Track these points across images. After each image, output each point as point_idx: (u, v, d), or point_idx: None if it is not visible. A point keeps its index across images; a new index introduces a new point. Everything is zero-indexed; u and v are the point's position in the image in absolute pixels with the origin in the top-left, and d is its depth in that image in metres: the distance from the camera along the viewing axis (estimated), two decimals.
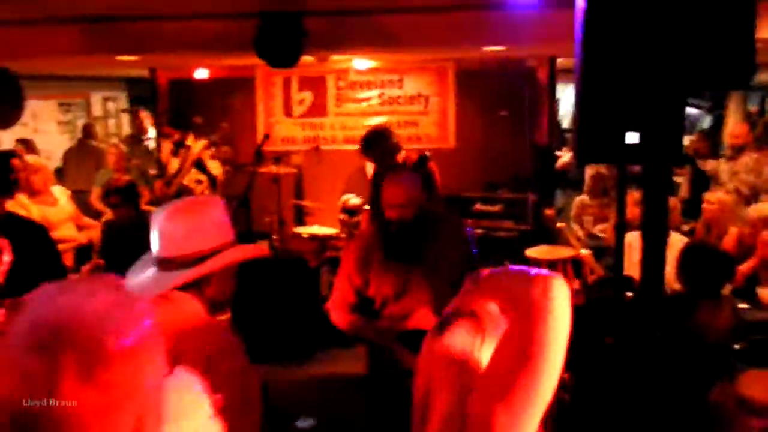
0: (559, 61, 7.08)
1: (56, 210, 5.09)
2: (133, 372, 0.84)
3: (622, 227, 3.13)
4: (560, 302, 1.22)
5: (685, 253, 3.65)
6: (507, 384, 1.21)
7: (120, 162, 6.72)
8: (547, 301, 1.21)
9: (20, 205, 4.79)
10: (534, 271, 1.31)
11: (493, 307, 1.39)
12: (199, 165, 6.15)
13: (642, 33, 2.57)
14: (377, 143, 4.91)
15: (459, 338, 1.37)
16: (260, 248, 2.23)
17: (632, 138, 2.67)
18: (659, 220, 3.26)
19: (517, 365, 1.20)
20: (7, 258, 2.94)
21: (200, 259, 1.83)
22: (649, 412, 3.20)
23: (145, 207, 4.76)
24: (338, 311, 3.10)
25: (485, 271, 1.41)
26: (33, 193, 5.12)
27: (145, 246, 4.60)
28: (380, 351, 3.09)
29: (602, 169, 6.72)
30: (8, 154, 4.31)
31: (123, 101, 10.75)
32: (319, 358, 5.32)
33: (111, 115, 10.44)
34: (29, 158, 5.68)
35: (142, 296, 0.97)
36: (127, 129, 10.20)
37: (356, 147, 7.08)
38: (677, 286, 3.69)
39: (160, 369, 0.91)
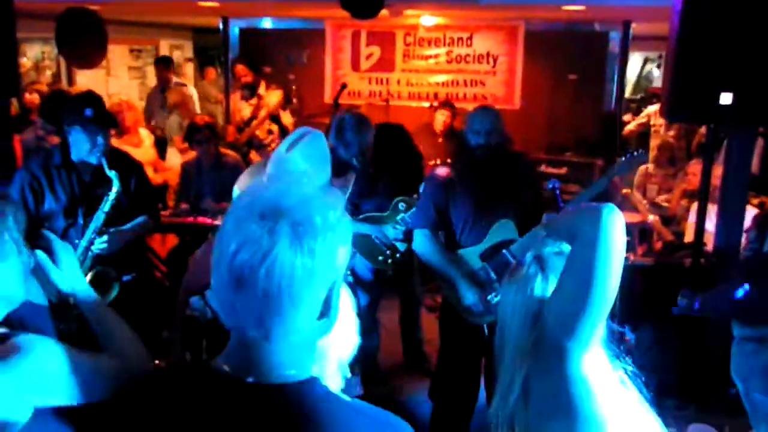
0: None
1: (140, 152, 5.27)
2: (333, 247, 1.00)
3: (705, 193, 3.13)
4: (610, 228, 1.35)
5: (762, 219, 3.62)
6: (573, 308, 1.37)
7: (185, 105, 6.87)
8: (597, 228, 1.34)
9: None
10: (587, 204, 1.45)
11: (554, 247, 1.53)
12: (273, 116, 6.26)
13: None
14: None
15: (526, 279, 1.51)
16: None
17: (726, 99, 2.66)
18: (740, 185, 3.25)
19: (580, 290, 1.36)
20: (116, 189, 3.11)
21: None
22: (715, 374, 3.23)
23: (221, 150, 4.89)
24: (421, 229, 3.19)
25: (550, 216, 1.58)
26: (121, 132, 5.32)
27: (223, 185, 4.73)
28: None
29: (670, 138, 6.62)
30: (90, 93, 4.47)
31: (188, 50, 10.92)
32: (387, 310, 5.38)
33: (178, 62, 10.65)
34: (122, 97, 5.89)
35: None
36: (191, 77, 10.38)
37: (422, 103, 7.17)
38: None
39: (349, 247, 1.06)
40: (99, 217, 3.11)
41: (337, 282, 1.04)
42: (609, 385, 1.44)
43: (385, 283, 4.11)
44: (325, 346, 1.31)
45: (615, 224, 1.37)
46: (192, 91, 7.42)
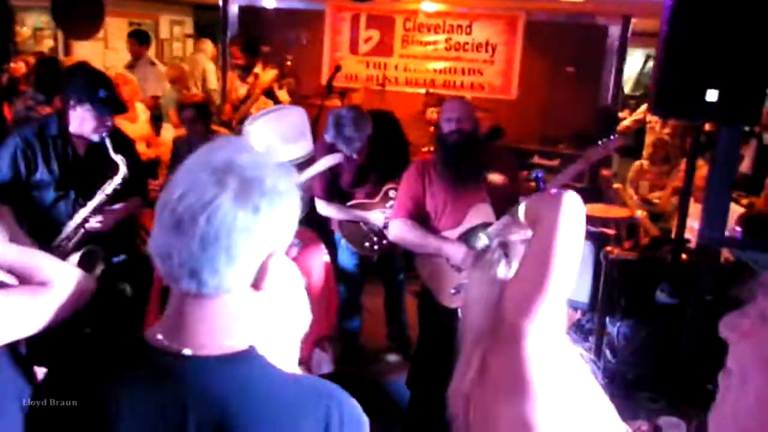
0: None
1: (135, 127, 5.27)
2: (278, 211, 1.02)
3: (688, 189, 3.14)
4: (569, 214, 1.40)
5: (747, 219, 3.65)
6: (530, 289, 1.40)
7: (183, 80, 6.85)
8: (557, 214, 1.39)
9: None
10: (550, 192, 1.50)
11: (521, 234, 1.59)
12: (269, 94, 6.25)
13: None
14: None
15: (489, 263, 1.55)
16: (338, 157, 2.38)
17: (712, 95, 2.67)
18: (724, 183, 3.26)
19: (537, 271, 1.40)
20: (123, 173, 3.13)
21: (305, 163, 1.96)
22: (692, 373, 3.27)
23: (213, 127, 4.89)
24: (397, 218, 3.24)
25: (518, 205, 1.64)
26: None
27: None
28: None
29: (665, 136, 6.63)
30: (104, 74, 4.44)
31: (189, 26, 10.87)
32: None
33: (177, 38, 10.60)
34: (120, 70, 5.87)
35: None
36: (190, 53, 10.34)
37: (418, 89, 7.16)
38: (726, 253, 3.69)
39: (294, 226, 1.07)
40: (98, 198, 3.13)
41: (275, 254, 1.04)
42: (564, 367, 1.48)
43: (370, 268, 4.14)
44: (273, 322, 1.33)
45: (574, 210, 1.41)
46: (208, 65, 7.41)
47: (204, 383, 1.00)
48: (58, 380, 1.08)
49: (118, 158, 3.13)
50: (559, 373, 1.47)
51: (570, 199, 1.42)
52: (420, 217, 3.22)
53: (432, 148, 5.19)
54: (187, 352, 1.01)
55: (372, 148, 3.89)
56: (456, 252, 3.04)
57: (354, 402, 1.09)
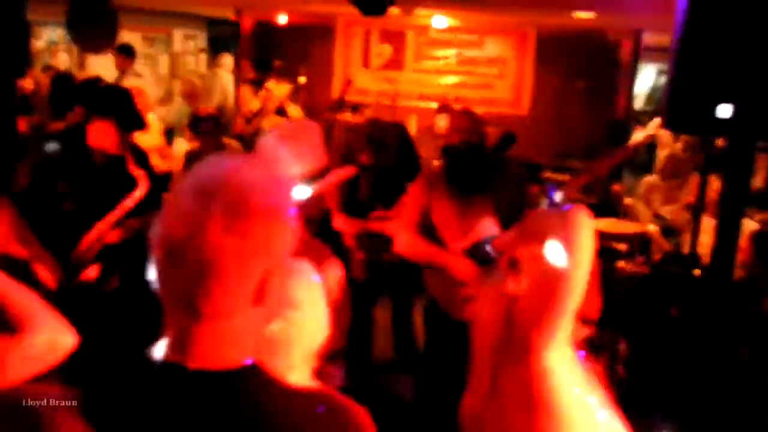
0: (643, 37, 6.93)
1: (148, 138, 5.30)
2: (267, 231, 0.99)
3: (700, 204, 3.12)
4: (580, 231, 1.37)
5: (758, 238, 3.62)
6: (541, 306, 1.36)
7: (195, 95, 6.90)
8: (570, 230, 1.36)
9: None
10: (561, 209, 1.50)
11: (530, 250, 1.59)
12: (280, 111, 6.29)
13: (745, 2, 2.54)
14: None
15: (498, 278, 1.58)
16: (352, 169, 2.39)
17: (724, 111, 2.65)
18: (737, 200, 3.24)
19: (549, 287, 1.36)
20: (144, 187, 3.15)
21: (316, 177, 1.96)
22: (704, 390, 3.23)
23: (225, 140, 4.92)
24: (403, 232, 3.23)
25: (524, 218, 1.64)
26: None
27: None
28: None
29: (678, 151, 6.60)
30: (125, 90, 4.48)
31: (202, 40, 10.97)
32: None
33: (190, 52, 10.69)
34: (132, 81, 5.92)
35: (292, 177, 1.10)
36: (203, 67, 10.43)
37: (430, 104, 7.18)
38: (740, 271, 3.66)
39: (291, 241, 1.05)
40: (117, 212, 3.15)
41: (274, 268, 1.02)
42: (574, 382, 1.48)
43: (380, 282, 4.14)
44: (288, 336, 1.32)
45: (584, 226, 1.43)
46: (227, 80, 7.46)
47: (208, 396, 0.99)
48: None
49: (139, 172, 3.16)
50: (571, 388, 1.48)
51: (582, 216, 1.43)
52: (426, 230, 3.21)
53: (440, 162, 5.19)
54: (189, 365, 1.00)
55: (388, 160, 3.90)
56: (462, 266, 3.04)
57: (365, 415, 1.07)
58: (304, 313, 1.22)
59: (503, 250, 1.65)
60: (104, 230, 3.13)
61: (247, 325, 1.04)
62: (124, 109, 3.14)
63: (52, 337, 1.38)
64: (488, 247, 2.99)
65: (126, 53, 6.97)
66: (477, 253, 3.04)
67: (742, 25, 2.54)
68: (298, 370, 1.43)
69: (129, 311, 3.29)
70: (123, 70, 6.86)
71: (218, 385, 1.00)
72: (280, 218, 1.01)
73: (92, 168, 3.23)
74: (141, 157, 3.38)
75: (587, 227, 1.45)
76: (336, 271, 1.89)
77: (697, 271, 3.59)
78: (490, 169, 3.17)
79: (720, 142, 3.87)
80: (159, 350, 1.04)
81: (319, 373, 2.17)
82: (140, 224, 3.29)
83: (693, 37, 2.62)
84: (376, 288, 4.13)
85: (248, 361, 1.04)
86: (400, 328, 4.45)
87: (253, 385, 1.02)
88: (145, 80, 7.19)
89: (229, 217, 0.96)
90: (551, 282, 1.43)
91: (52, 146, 3.32)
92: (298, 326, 1.22)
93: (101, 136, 3.17)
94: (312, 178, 2.00)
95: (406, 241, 3.21)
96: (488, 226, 3.12)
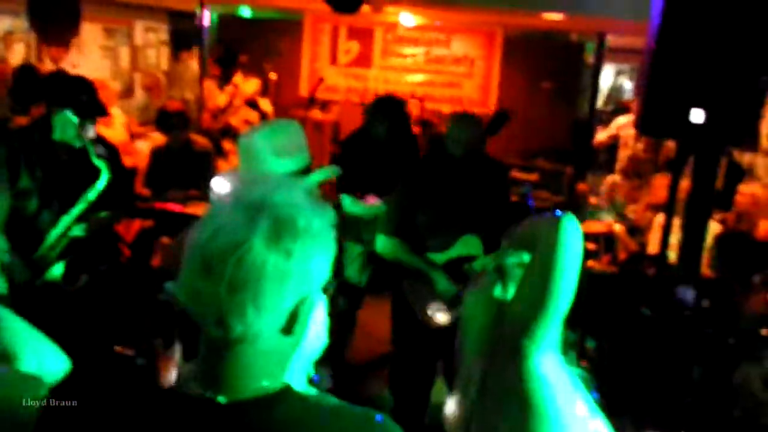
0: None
1: (112, 132, 5.18)
2: (310, 253, 0.97)
3: (672, 205, 3.19)
4: (568, 236, 1.42)
5: (722, 239, 3.72)
6: (530, 310, 1.42)
7: (158, 88, 6.76)
8: (555, 237, 1.41)
9: None
10: (546, 215, 1.55)
11: (516, 257, 1.63)
12: (252, 104, 6.21)
13: (720, 9, 2.60)
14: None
15: (486, 285, 1.59)
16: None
17: (696, 115, 2.71)
18: (704, 202, 3.32)
19: (538, 292, 1.42)
20: (105, 179, 3.07)
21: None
22: (674, 385, 3.31)
23: (192, 136, 4.84)
24: (385, 233, 3.21)
25: (514, 228, 1.68)
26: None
27: (192, 172, 4.70)
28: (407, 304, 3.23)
29: (639, 151, 6.73)
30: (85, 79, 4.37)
31: (164, 33, 10.74)
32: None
33: (151, 45, 10.46)
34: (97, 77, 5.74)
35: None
36: (165, 61, 10.23)
37: None
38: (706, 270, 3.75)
39: (328, 269, 1.03)
40: (81, 206, 3.07)
41: (308, 298, 1.00)
42: (562, 386, 1.52)
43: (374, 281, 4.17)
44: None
45: (572, 233, 1.44)
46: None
47: (243, 429, 0.97)
48: None
49: (100, 163, 3.07)
50: (559, 390, 1.50)
51: (568, 223, 1.45)
52: (408, 231, 3.21)
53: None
54: (222, 399, 0.98)
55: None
56: (440, 281, 3.05)
57: (395, 426, 1.06)
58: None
59: (492, 259, 1.69)
60: (68, 225, 3.05)
61: (278, 350, 1.02)
62: (83, 98, 3.05)
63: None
64: (467, 268, 3.02)
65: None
66: (455, 271, 3.05)
67: (715, 32, 2.60)
68: (297, 378, 1.41)
69: (96, 310, 3.22)
70: (57, 60, 6.30)
71: (253, 415, 0.98)
72: (324, 242, 0.99)
73: (57, 163, 3.15)
74: (106, 148, 3.30)
75: (575, 233, 1.49)
76: None
77: (665, 272, 3.66)
78: (486, 181, 3.15)
79: (671, 144, 3.93)
80: (188, 382, 1.01)
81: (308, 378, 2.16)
82: (107, 220, 3.22)
83: (667, 44, 2.67)
84: (368, 287, 4.14)
85: (280, 386, 1.02)
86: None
87: (288, 410, 1.00)
88: (102, 73, 6.98)
89: (276, 234, 0.94)
90: (540, 287, 1.45)
91: (11, 139, 3.22)
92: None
93: (63, 128, 3.08)
94: (297, 175, 1.98)
95: (386, 243, 3.20)
96: (471, 245, 3.11)
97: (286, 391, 1.02)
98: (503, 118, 4.47)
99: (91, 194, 3.08)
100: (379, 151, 4.38)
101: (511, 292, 1.54)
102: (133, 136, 6.00)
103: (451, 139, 3.09)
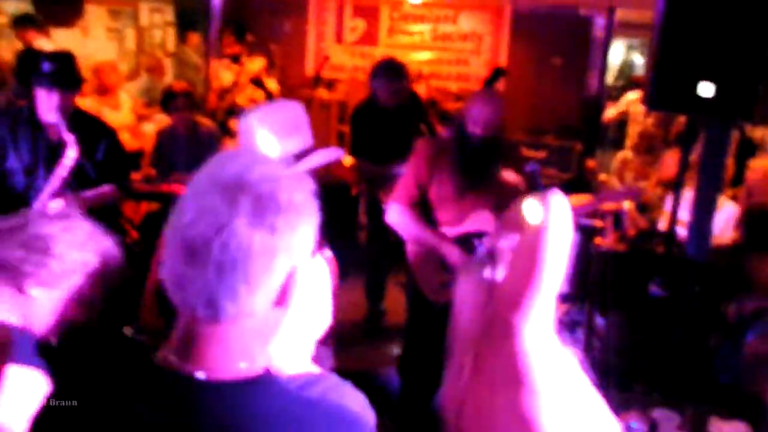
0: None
1: (118, 115, 5.19)
2: (295, 226, 0.96)
3: (680, 180, 3.15)
4: (555, 212, 1.44)
5: (749, 211, 3.67)
6: (520, 287, 1.43)
7: (160, 69, 6.73)
8: (542, 212, 1.43)
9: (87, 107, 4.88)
10: (538, 195, 1.56)
11: (508, 239, 1.63)
12: (258, 83, 6.17)
13: None
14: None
15: (477, 266, 1.60)
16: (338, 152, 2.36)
17: (705, 89, 2.66)
18: (715, 177, 3.28)
19: (526, 269, 1.43)
20: (72, 154, 3.04)
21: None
22: (682, 364, 3.29)
23: (198, 118, 4.82)
24: (398, 204, 3.19)
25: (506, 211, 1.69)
26: (102, 92, 5.21)
27: (198, 153, 4.70)
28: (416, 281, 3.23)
29: (650, 127, 6.66)
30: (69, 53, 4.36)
31: (169, 14, 10.70)
32: (353, 281, 5.39)
33: (157, 26, 10.42)
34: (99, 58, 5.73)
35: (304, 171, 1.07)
36: (171, 41, 10.19)
37: None
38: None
39: (314, 239, 1.02)
40: (54, 181, 3.05)
41: (297, 270, 0.99)
42: (555, 362, 1.53)
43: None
44: (294, 324, 1.30)
45: (559, 209, 1.45)
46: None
47: (217, 409, 0.95)
48: (66, 405, 1.02)
49: (69, 137, 3.03)
50: (552, 366, 1.51)
51: (554, 199, 1.46)
52: (421, 203, 3.19)
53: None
54: (200, 375, 0.96)
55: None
56: (453, 253, 3.03)
57: (370, 426, 1.05)
58: (307, 300, 1.19)
59: (485, 241, 1.71)
60: (44, 204, 3.03)
61: (268, 326, 1.01)
62: (47, 68, 3.02)
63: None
64: (478, 245, 3.00)
65: (26, 24, 5.87)
66: (466, 246, 3.03)
67: (724, 5, 2.55)
68: (297, 356, 1.41)
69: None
70: (27, 43, 5.74)
71: (230, 397, 0.96)
72: (308, 213, 0.99)
73: (45, 142, 3.15)
74: (88, 122, 3.28)
75: (561, 209, 1.49)
76: (326, 252, 1.87)
77: (674, 249, 3.63)
78: (501, 160, 3.11)
79: (682, 119, 3.88)
80: (165, 355, 1.00)
81: (312, 356, 2.16)
82: (94, 200, 3.20)
83: (675, 18, 2.61)
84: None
85: (261, 370, 1.00)
86: (372, 299, 4.56)
87: (266, 396, 0.98)
88: (108, 55, 6.96)
89: (259, 211, 0.92)
90: (529, 264, 1.45)
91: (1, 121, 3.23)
92: (302, 313, 1.19)
93: (38, 105, 3.07)
94: (298, 157, 1.96)
95: (398, 214, 3.17)
96: (484, 221, 3.09)
97: (266, 376, 1.00)
98: (498, 73, 4.51)
99: (61, 170, 3.04)
100: (389, 117, 4.42)
101: (501, 274, 1.55)
102: (140, 118, 5.99)
103: (470, 118, 3.05)
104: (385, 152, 4.34)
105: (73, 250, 1.57)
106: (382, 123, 4.42)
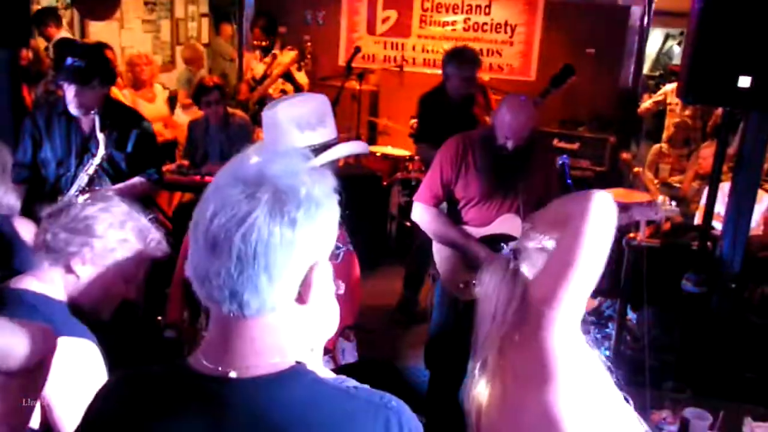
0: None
1: (153, 107, 5.26)
2: (314, 220, 0.97)
3: (718, 174, 3.08)
4: (598, 210, 1.44)
5: None
6: (555, 281, 1.47)
7: (198, 60, 6.80)
8: (584, 211, 1.43)
9: (123, 98, 4.96)
10: (577, 192, 1.54)
11: (536, 241, 1.65)
12: (287, 76, 6.19)
13: None
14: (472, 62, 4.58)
15: (501, 265, 1.66)
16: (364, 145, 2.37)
17: (744, 82, 2.60)
18: (754, 170, 3.20)
19: (563, 264, 1.46)
20: (102, 148, 3.09)
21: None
22: (717, 360, 3.24)
23: (229, 110, 4.86)
24: (423, 202, 3.17)
25: (539, 211, 1.72)
26: (138, 85, 5.29)
27: (230, 145, 4.74)
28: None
29: (687, 119, 6.52)
30: (103, 45, 4.42)
31: (204, 5, 10.79)
32: (383, 271, 5.40)
33: (192, 17, 10.52)
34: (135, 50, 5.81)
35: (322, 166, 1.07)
36: (205, 33, 10.28)
37: (436, 71, 7.06)
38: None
39: (335, 234, 1.03)
40: (82, 178, 3.11)
41: (318, 265, 1.00)
42: (584, 359, 1.53)
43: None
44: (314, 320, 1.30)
45: (603, 207, 1.45)
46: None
47: (253, 405, 0.97)
48: (103, 413, 1.05)
49: (101, 136, 3.08)
50: (580, 362, 1.52)
51: (599, 197, 1.44)
52: (447, 203, 3.18)
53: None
54: (233, 374, 0.98)
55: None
56: (481, 252, 3.00)
57: (411, 412, 1.04)
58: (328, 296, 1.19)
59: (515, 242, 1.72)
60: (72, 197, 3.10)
61: (291, 323, 1.02)
62: (70, 62, 3.05)
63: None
64: (504, 248, 2.97)
65: (51, 18, 5.79)
66: (492, 249, 2.99)
67: None
68: (312, 353, 1.42)
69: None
70: (47, 38, 5.75)
71: (264, 392, 0.98)
72: (328, 207, 0.99)
73: (78, 134, 3.22)
74: (121, 113, 3.34)
75: (605, 208, 1.48)
76: (347, 247, 1.89)
77: (709, 243, 3.56)
78: (530, 158, 3.04)
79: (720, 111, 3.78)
80: (198, 359, 1.02)
81: (334, 349, 2.17)
82: (124, 192, 3.25)
83: (712, 9, 2.55)
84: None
85: (292, 363, 1.01)
86: (410, 288, 4.72)
87: (300, 388, 0.99)
88: (144, 47, 7.03)
89: (279, 205, 0.93)
90: (566, 260, 1.48)
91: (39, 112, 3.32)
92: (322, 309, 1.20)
93: (67, 99, 3.12)
94: (323, 149, 1.97)
95: (423, 213, 3.15)
96: (511, 224, 3.04)
97: (298, 369, 1.01)
98: (569, 72, 4.18)
99: (89, 168, 3.10)
100: (455, 106, 4.42)
101: (525, 273, 1.59)
102: (183, 107, 6.06)
103: (500, 128, 2.96)
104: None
105: (114, 229, 1.65)
106: (447, 111, 4.41)
